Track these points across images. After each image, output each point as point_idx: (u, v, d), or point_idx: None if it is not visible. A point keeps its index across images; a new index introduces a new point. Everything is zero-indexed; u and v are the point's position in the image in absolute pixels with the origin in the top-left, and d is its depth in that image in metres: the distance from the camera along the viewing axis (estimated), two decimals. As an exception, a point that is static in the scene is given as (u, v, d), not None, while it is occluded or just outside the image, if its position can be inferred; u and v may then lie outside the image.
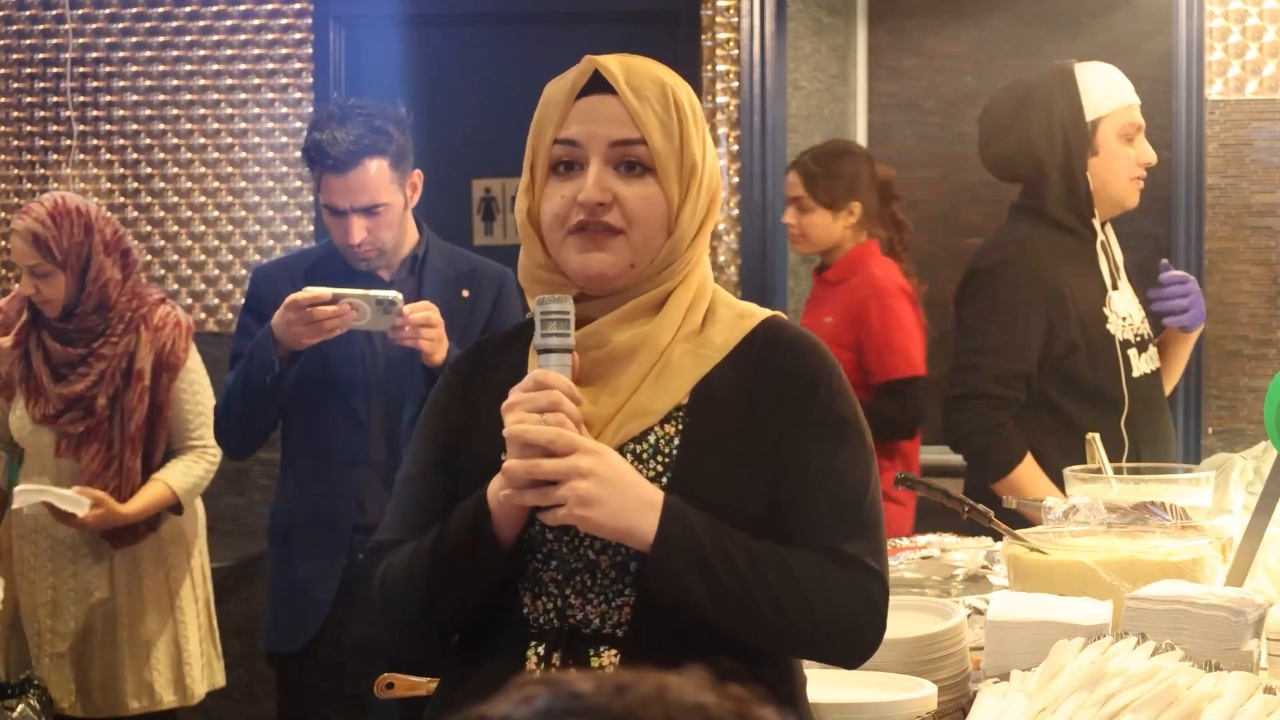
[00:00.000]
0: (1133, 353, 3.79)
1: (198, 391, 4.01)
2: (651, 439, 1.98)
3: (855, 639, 1.99)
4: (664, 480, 1.96)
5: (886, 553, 2.03)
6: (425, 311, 3.39)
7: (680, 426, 1.99)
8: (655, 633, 1.94)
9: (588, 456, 1.89)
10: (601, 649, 1.95)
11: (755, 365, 2.01)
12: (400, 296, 3.39)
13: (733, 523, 1.95)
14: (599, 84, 2.01)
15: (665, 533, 1.90)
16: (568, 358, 1.96)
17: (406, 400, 3.49)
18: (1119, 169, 3.78)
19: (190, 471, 3.96)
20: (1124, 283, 3.85)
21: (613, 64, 2.01)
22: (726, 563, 1.91)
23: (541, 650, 1.96)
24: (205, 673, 4.10)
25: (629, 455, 1.97)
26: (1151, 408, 3.84)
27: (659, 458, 1.97)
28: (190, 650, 4.03)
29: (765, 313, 2.07)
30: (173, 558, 4.03)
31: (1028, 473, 3.67)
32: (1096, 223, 3.79)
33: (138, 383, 3.92)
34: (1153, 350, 3.87)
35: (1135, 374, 3.78)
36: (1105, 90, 3.79)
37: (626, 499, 1.90)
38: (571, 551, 1.98)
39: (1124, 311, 3.80)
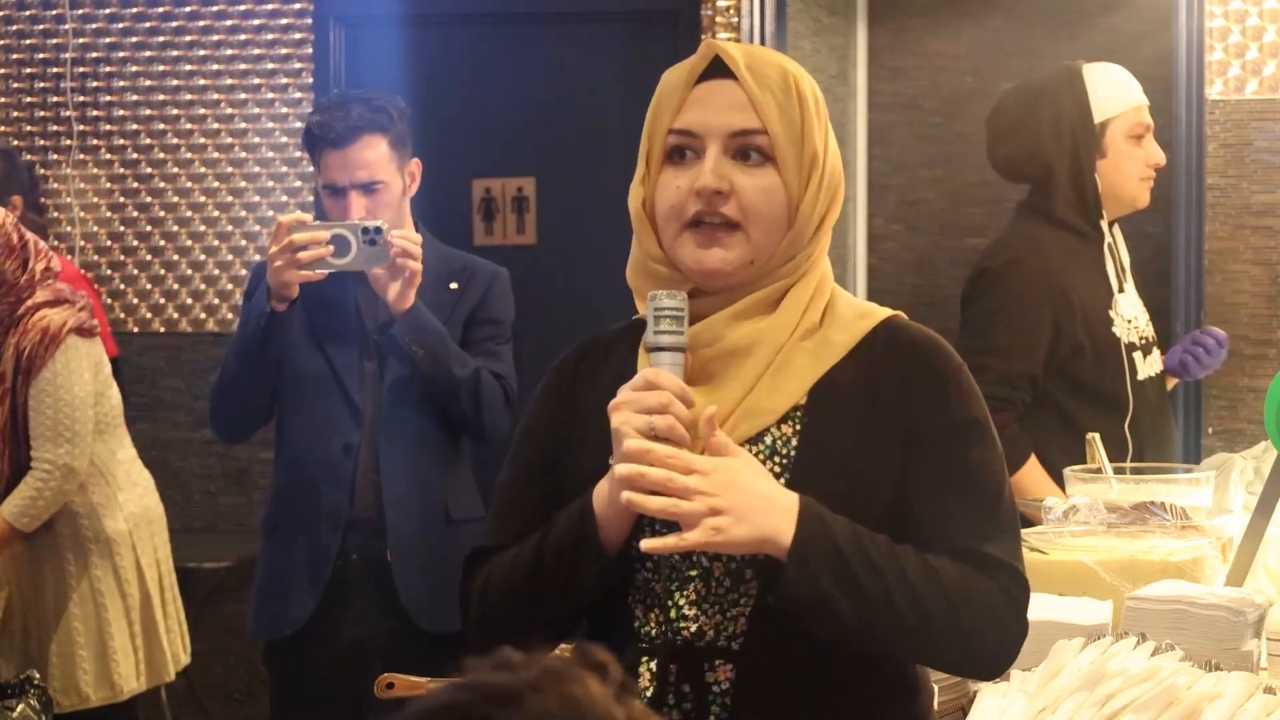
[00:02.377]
0: (1138, 356, 3.79)
1: (45, 403, 3.88)
2: (769, 440, 1.90)
3: (999, 647, 1.90)
4: (782, 482, 1.87)
5: (1021, 551, 1.95)
6: (405, 242, 3.39)
7: (798, 427, 1.90)
8: (772, 646, 1.86)
9: (712, 497, 1.80)
10: (717, 663, 1.87)
11: (878, 365, 1.93)
12: (386, 225, 3.38)
13: None
14: (718, 70, 1.93)
15: (802, 536, 1.80)
16: (680, 356, 1.88)
17: (389, 374, 3.49)
18: (1128, 170, 3.78)
19: (19, 494, 3.87)
20: (1130, 285, 3.85)
21: (733, 49, 1.94)
22: (867, 566, 1.81)
23: (654, 666, 1.89)
24: (144, 668, 4.07)
25: None
26: (1155, 410, 3.84)
27: (776, 459, 1.89)
28: (116, 647, 4.00)
29: (886, 312, 1.99)
30: (94, 555, 4.00)
31: (1032, 475, 3.67)
32: (1104, 224, 3.80)
33: None
34: (1156, 353, 3.87)
35: (1140, 377, 3.78)
36: (1114, 91, 3.79)
37: (756, 512, 1.81)
38: (684, 559, 1.89)
39: (1130, 314, 3.80)
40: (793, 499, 1.82)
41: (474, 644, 2.04)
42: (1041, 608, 2.46)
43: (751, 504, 1.80)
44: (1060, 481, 3.49)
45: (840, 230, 6.81)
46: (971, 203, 6.78)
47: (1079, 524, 2.85)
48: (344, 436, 3.52)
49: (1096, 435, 3.38)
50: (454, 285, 3.59)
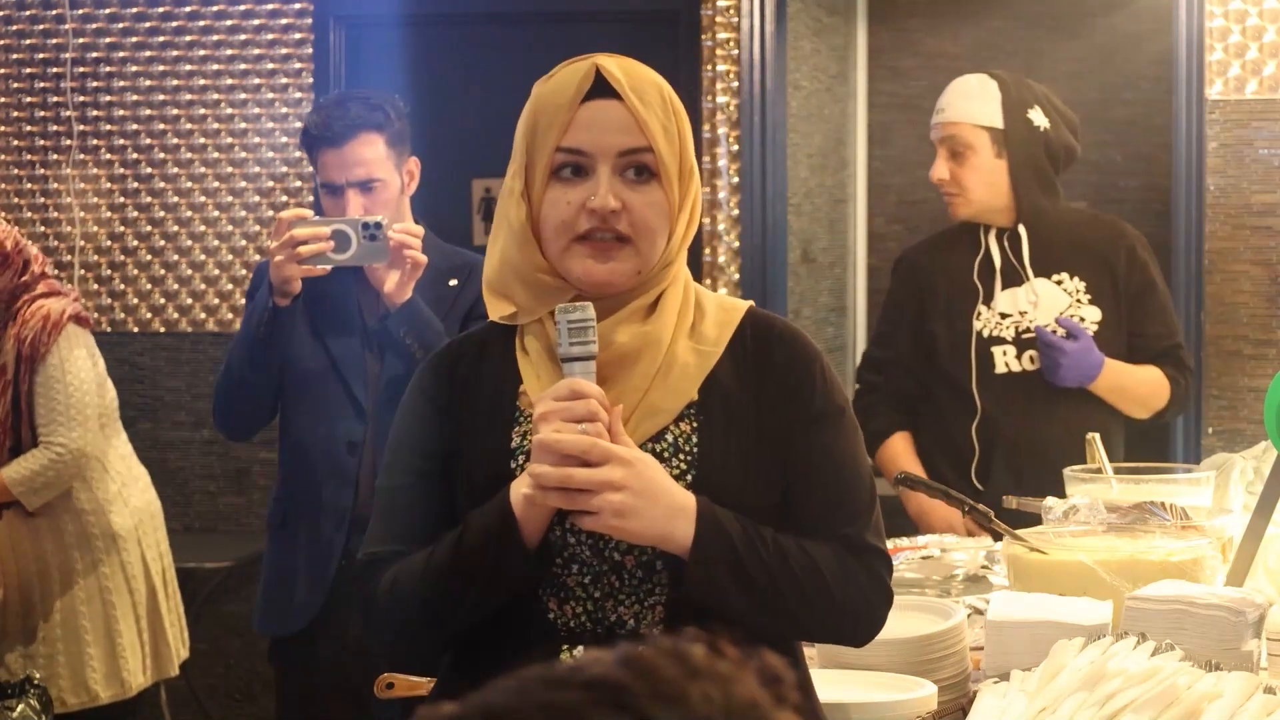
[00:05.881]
0: (1001, 350, 3.85)
1: (54, 387, 3.90)
2: (670, 438, 2.00)
3: (869, 621, 2.07)
4: (689, 478, 1.98)
5: (883, 529, 2.10)
6: (405, 235, 3.40)
7: (696, 424, 2.00)
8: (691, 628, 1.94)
9: (620, 468, 1.90)
10: None
11: (751, 359, 2.04)
12: (386, 220, 3.39)
13: (755, 516, 1.97)
14: (600, 88, 2.00)
15: (701, 538, 1.92)
16: (591, 364, 1.97)
17: (386, 370, 3.49)
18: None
19: (24, 463, 3.86)
20: (1038, 281, 3.88)
21: (614, 67, 2.00)
22: (758, 563, 1.95)
23: (578, 654, 1.96)
24: (151, 663, 4.06)
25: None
26: (1026, 408, 3.85)
27: (680, 456, 1.99)
28: (124, 644, 4.00)
29: (743, 304, 2.10)
30: (100, 552, 3.99)
31: (888, 452, 3.91)
32: (981, 227, 3.94)
33: (0, 378, 3.89)
34: None
35: (998, 371, 3.84)
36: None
37: (660, 508, 1.92)
38: (595, 554, 1.98)
39: (1011, 308, 3.86)
40: (690, 500, 1.94)
41: (380, 644, 2.13)
42: (1041, 608, 2.46)
43: (656, 500, 1.92)
44: (931, 469, 3.73)
45: (840, 230, 6.81)
46: (971, 203, 6.77)
47: (1079, 524, 2.85)
48: (348, 433, 3.53)
49: (1096, 435, 3.39)
50: (453, 281, 3.59)
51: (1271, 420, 2.83)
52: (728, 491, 1.97)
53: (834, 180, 6.74)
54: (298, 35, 5.57)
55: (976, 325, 3.86)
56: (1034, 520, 3.01)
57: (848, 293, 6.84)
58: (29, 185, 5.69)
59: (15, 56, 5.71)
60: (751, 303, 2.11)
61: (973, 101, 3.92)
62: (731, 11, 5.32)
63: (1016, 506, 3.26)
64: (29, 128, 5.70)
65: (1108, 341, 3.87)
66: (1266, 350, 4.93)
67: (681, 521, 1.92)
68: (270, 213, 5.57)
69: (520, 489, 1.94)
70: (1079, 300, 3.89)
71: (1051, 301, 3.88)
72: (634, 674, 0.95)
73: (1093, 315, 3.88)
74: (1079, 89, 6.21)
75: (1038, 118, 3.91)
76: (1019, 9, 6.70)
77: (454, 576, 1.97)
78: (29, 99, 5.70)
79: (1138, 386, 3.89)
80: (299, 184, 5.55)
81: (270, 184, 5.59)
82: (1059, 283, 3.89)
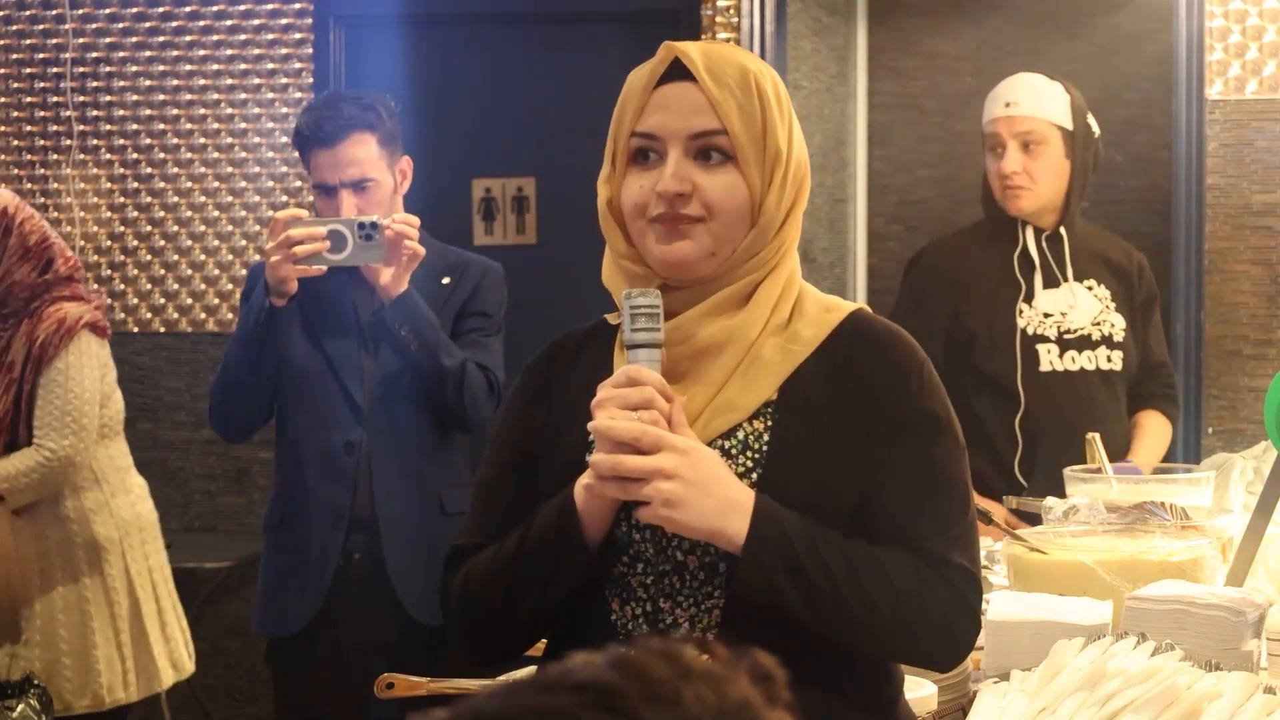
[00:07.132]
0: (1046, 348, 3.87)
1: (55, 392, 3.86)
2: (741, 435, 1.93)
3: (949, 643, 1.95)
4: (754, 477, 1.91)
5: (979, 551, 1.99)
6: (404, 225, 3.40)
7: (770, 423, 1.94)
8: (745, 635, 1.89)
9: (673, 455, 1.84)
10: None
11: (844, 360, 1.96)
12: (380, 219, 3.40)
13: (823, 521, 1.89)
14: (678, 71, 1.96)
15: (755, 535, 1.85)
16: (657, 353, 1.91)
17: (380, 367, 3.49)
18: (991, 179, 3.98)
19: (11, 461, 3.82)
20: (1075, 284, 3.90)
21: (692, 51, 1.96)
22: (818, 565, 1.86)
23: None
24: (134, 678, 4.03)
25: (717, 451, 1.92)
26: (1066, 406, 3.87)
27: (749, 454, 1.92)
28: (99, 657, 3.96)
29: (851, 306, 2.02)
30: (82, 562, 3.96)
31: None
32: (1020, 224, 3.93)
33: (5, 375, 3.88)
34: (1100, 353, 3.90)
35: (1043, 369, 3.85)
36: (988, 104, 4.01)
37: (713, 500, 1.85)
38: (659, 553, 1.93)
39: (1054, 308, 3.88)
40: (749, 495, 1.87)
41: (456, 639, 2.07)
42: (1041, 608, 2.46)
43: (710, 491, 1.85)
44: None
45: (840, 230, 6.81)
46: (971, 203, 6.75)
47: (1079, 524, 2.85)
48: (345, 433, 3.53)
49: (1096, 436, 3.39)
50: (446, 280, 3.60)
51: (1271, 420, 2.83)
52: (796, 493, 1.89)
53: (834, 180, 6.75)
54: (298, 35, 5.57)
55: (1020, 322, 3.88)
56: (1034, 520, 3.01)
57: (848, 293, 6.84)
58: (29, 185, 5.69)
59: (15, 56, 5.70)
60: (861, 305, 2.03)
61: (1045, 99, 3.93)
62: (731, 11, 5.32)
63: (1016, 506, 3.26)
64: (29, 128, 5.70)
65: (1130, 351, 3.93)
66: (1266, 350, 4.93)
67: (736, 516, 1.85)
68: (270, 213, 5.57)
69: (583, 480, 1.90)
70: (1108, 307, 3.94)
71: (1086, 306, 3.92)
72: (625, 676, 0.94)
73: (1120, 323, 3.94)
74: (1079, 89, 6.21)
75: (1094, 124, 3.96)
76: (1019, 9, 6.70)
77: (516, 571, 1.94)
78: (29, 99, 5.70)
79: (1157, 454, 3.97)
80: (299, 184, 5.55)
81: (270, 184, 5.59)
82: (1090, 289, 3.94)
